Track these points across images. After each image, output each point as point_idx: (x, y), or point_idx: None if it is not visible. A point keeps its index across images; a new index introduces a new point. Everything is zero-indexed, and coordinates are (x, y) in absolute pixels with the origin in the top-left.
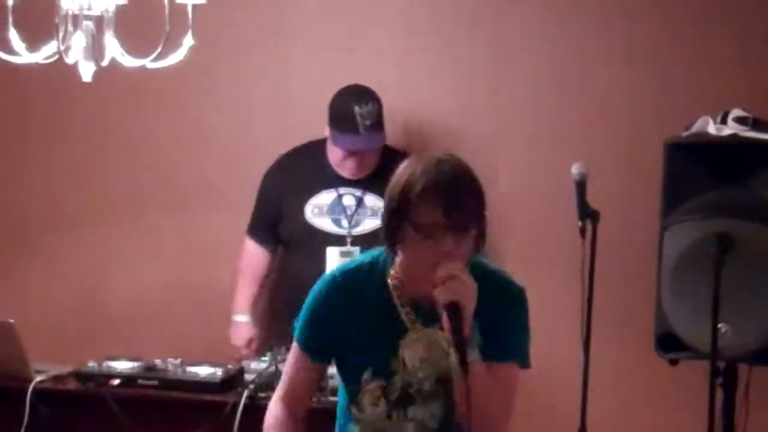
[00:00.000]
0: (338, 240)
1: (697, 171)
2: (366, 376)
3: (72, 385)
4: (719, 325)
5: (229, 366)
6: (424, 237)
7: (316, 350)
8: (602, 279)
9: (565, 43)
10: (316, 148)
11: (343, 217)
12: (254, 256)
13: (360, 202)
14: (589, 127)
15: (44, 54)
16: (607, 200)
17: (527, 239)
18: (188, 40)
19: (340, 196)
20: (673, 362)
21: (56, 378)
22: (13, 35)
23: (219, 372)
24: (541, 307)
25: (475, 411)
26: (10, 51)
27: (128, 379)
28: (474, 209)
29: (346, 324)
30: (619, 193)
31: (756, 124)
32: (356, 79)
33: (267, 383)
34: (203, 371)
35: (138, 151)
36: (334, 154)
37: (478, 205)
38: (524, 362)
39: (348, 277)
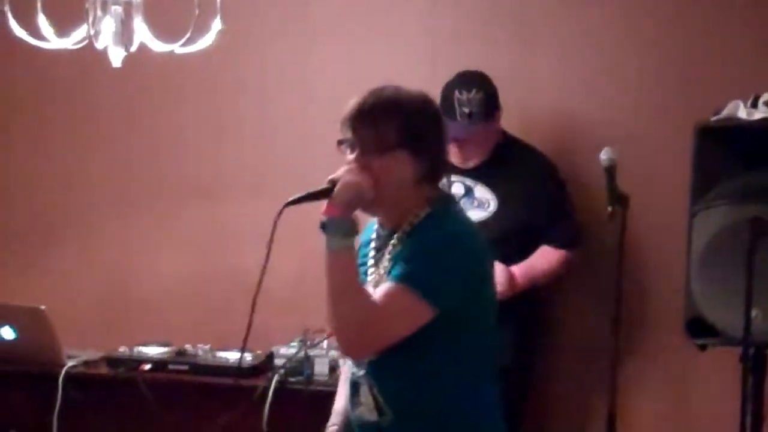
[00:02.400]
0: None
1: (727, 155)
2: None
3: (103, 370)
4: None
5: (259, 351)
6: (348, 152)
7: None
8: (631, 264)
9: (592, 28)
10: None
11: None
12: None
13: (469, 191)
14: (619, 111)
15: (73, 39)
16: (636, 185)
17: None
18: (217, 25)
19: (450, 184)
20: (702, 347)
21: (88, 363)
22: (42, 21)
23: (249, 357)
24: (571, 291)
25: (331, 306)
26: (39, 37)
27: (159, 364)
28: (387, 125)
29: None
30: (648, 178)
31: None
32: (379, 67)
33: (296, 368)
34: (233, 356)
35: (165, 139)
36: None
37: (399, 124)
38: (427, 294)
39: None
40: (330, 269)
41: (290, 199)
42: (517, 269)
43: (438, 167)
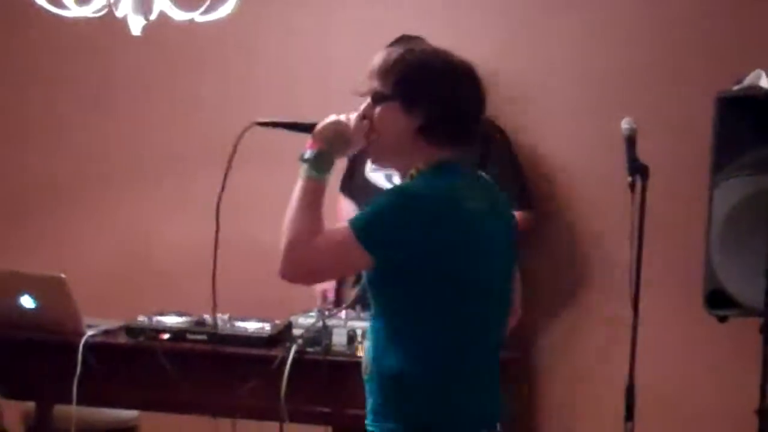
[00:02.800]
0: None
1: (748, 126)
2: None
3: (122, 339)
4: None
5: (277, 321)
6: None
7: None
8: (651, 235)
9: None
10: None
11: (394, 173)
12: (344, 209)
13: None
14: (639, 81)
15: (93, 8)
16: (656, 155)
17: (576, 195)
18: None
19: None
20: (722, 319)
21: (107, 332)
22: None
23: (267, 327)
24: (590, 262)
25: (284, 228)
26: (59, 4)
27: (178, 334)
28: (386, 78)
29: None
30: (668, 148)
31: None
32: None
33: (314, 338)
34: (252, 326)
35: (183, 108)
36: None
37: (396, 76)
38: (362, 237)
39: None
40: (297, 192)
41: (261, 120)
42: None
43: (437, 126)
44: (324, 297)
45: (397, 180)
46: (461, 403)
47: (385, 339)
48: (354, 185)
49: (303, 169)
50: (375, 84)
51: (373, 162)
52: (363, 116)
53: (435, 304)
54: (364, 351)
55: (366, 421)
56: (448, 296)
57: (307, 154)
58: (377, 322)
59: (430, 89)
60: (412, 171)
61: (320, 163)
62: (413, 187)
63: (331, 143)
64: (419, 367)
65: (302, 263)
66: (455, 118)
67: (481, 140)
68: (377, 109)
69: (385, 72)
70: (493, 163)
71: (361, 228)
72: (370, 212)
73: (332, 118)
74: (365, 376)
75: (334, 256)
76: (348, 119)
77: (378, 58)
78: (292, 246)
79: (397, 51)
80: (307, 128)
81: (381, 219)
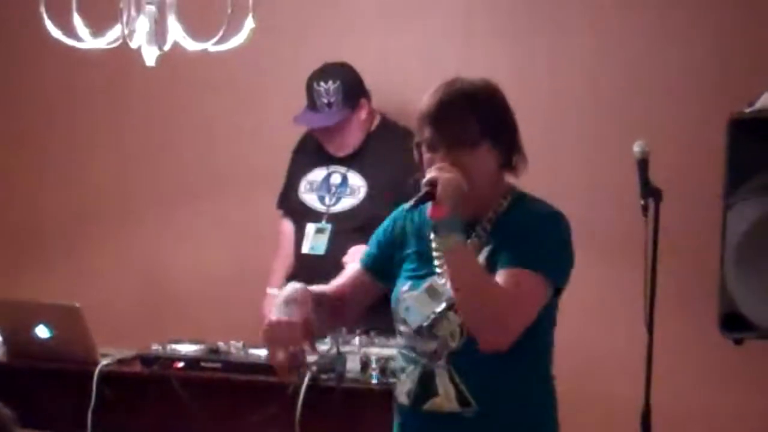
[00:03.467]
0: (318, 216)
1: (761, 148)
2: (404, 287)
3: (137, 367)
4: None
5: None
6: (427, 151)
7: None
8: (665, 258)
9: (625, 20)
10: None
11: (326, 194)
12: (286, 233)
13: (344, 180)
14: (651, 104)
15: (108, 39)
16: (669, 178)
17: (588, 218)
18: (249, 23)
19: (329, 174)
20: (738, 342)
21: (121, 361)
22: (77, 21)
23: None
24: (603, 286)
25: (464, 303)
26: (75, 36)
27: (192, 362)
28: (469, 121)
29: (401, 247)
30: (681, 170)
31: None
32: (412, 59)
33: (329, 365)
34: (266, 354)
35: (201, 136)
36: (316, 134)
37: (480, 117)
38: (549, 274)
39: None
40: (453, 268)
41: (408, 206)
42: None
43: (513, 153)
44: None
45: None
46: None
47: (514, 366)
48: (291, 205)
49: (449, 239)
50: (451, 128)
51: (458, 209)
52: (453, 165)
53: (552, 321)
54: (456, 384)
55: None
56: (556, 312)
57: (447, 221)
58: (493, 357)
59: (508, 120)
60: (503, 202)
61: (457, 227)
62: (551, 209)
63: (456, 203)
64: (542, 392)
65: (514, 331)
66: (520, 141)
67: None
68: (468, 154)
69: (463, 115)
70: None
71: (547, 268)
72: (543, 248)
73: (439, 176)
74: (465, 412)
75: (535, 306)
76: (443, 174)
77: (440, 103)
78: (500, 323)
79: (452, 91)
80: (429, 196)
81: (555, 251)
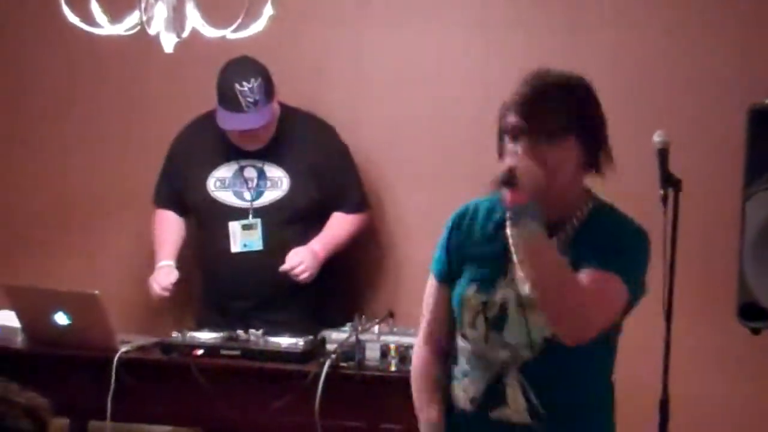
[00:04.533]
0: (241, 213)
1: None
2: (470, 289)
3: (157, 355)
4: None
5: (310, 336)
6: (511, 140)
7: (447, 274)
8: (683, 247)
9: (645, 11)
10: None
11: (244, 190)
12: (166, 218)
13: (261, 173)
14: (670, 95)
15: (126, 26)
16: (689, 168)
17: None
18: (268, 10)
19: (241, 168)
20: (756, 331)
21: (141, 348)
22: (95, 7)
23: (300, 342)
24: None
25: (543, 292)
26: (93, 23)
27: (211, 349)
28: (558, 113)
29: (465, 244)
30: (701, 161)
31: None
32: (430, 56)
33: (348, 353)
34: (285, 341)
35: None
36: (226, 131)
37: (569, 110)
38: (630, 286)
39: (475, 206)
40: (532, 258)
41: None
42: (318, 244)
43: (601, 154)
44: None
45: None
46: None
47: (586, 379)
48: (192, 202)
49: (528, 227)
50: (540, 118)
51: (544, 204)
52: (534, 157)
53: (620, 332)
54: (527, 397)
55: None
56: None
57: (520, 209)
58: (580, 366)
59: (599, 117)
60: (584, 207)
61: (537, 215)
62: (639, 226)
63: (535, 191)
64: (608, 405)
65: (591, 326)
66: (608, 140)
67: None
68: (552, 147)
69: (553, 105)
70: None
71: (629, 278)
72: (629, 259)
73: (521, 164)
74: (534, 425)
75: (612, 309)
76: (522, 162)
77: (532, 91)
78: (579, 316)
79: (545, 81)
80: (508, 181)
81: (638, 265)
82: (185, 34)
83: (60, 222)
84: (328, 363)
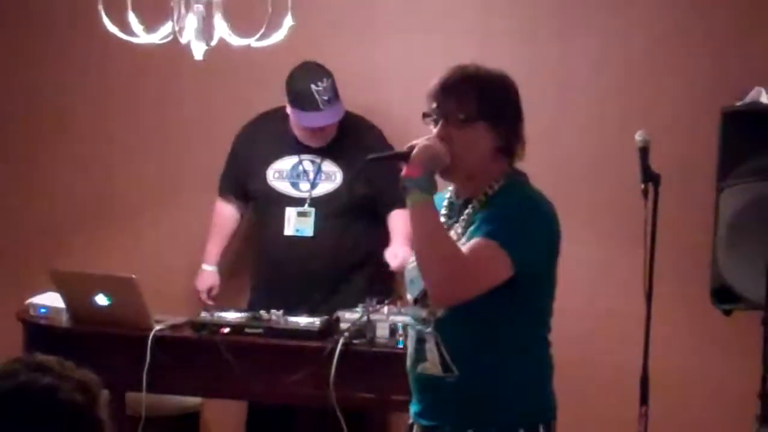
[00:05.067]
0: (297, 202)
1: (750, 137)
2: (411, 261)
3: (187, 333)
4: None
5: (326, 316)
6: (430, 124)
7: None
8: (662, 237)
9: (627, 22)
10: (281, 115)
11: (301, 181)
12: (222, 214)
13: (319, 168)
14: (652, 98)
15: (160, 35)
16: (667, 165)
17: (594, 201)
18: (288, 21)
19: (300, 161)
20: (727, 313)
21: (173, 327)
22: (132, 18)
23: (317, 322)
24: (607, 262)
25: (420, 256)
26: (129, 32)
27: (237, 328)
28: (467, 100)
29: None
30: (678, 158)
31: None
32: (436, 59)
33: (360, 331)
34: (303, 321)
35: (241, 124)
36: (298, 129)
37: (478, 98)
38: (511, 251)
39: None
40: (414, 224)
41: (371, 156)
42: (403, 240)
43: (513, 141)
44: (209, 293)
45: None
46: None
47: (491, 339)
48: (253, 190)
49: (414, 196)
50: (449, 105)
51: (446, 178)
52: (442, 138)
53: (538, 303)
54: (440, 351)
55: (449, 427)
56: (547, 293)
57: (414, 180)
58: (483, 325)
59: (510, 107)
60: (495, 185)
61: (424, 187)
62: (533, 196)
63: (428, 167)
64: (524, 361)
65: (461, 291)
66: (522, 130)
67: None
68: (460, 131)
69: (464, 93)
70: None
71: (510, 243)
72: (512, 227)
73: (420, 142)
74: (447, 377)
75: (487, 274)
76: (425, 141)
77: (446, 80)
78: (449, 279)
79: (459, 71)
80: (404, 156)
81: (524, 232)
82: (213, 43)
83: (101, 214)
84: (341, 340)
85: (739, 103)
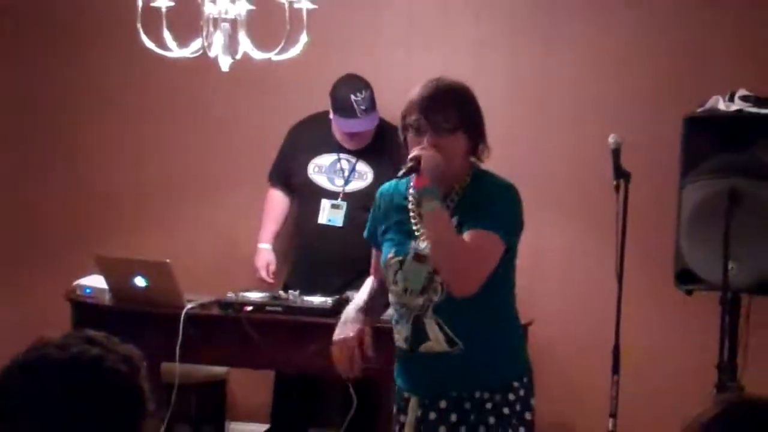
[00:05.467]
0: (332, 195)
1: (709, 140)
2: (390, 254)
3: (215, 311)
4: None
5: (337, 296)
6: (414, 134)
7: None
8: (632, 227)
9: (601, 40)
10: (326, 117)
11: (336, 177)
12: (273, 199)
13: (353, 167)
14: (623, 106)
15: (191, 49)
16: (636, 164)
17: (572, 196)
18: (304, 38)
19: (338, 159)
20: (689, 293)
21: (202, 306)
22: (167, 35)
23: (329, 301)
24: (583, 249)
25: (438, 256)
26: (164, 47)
27: (259, 306)
28: (450, 113)
29: (384, 220)
30: (646, 158)
31: (758, 102)
32: (433, 72)
33: None
34: (317, 300)
35: (268, 129)
36: (338, 132)
37: (459, 111)
38: (503, 235)
39: (388, 186)
40: (432, 227)
41: (400, 173)
42: None
43: (481, 143)
44: (267, 268)
45: (338, 182)
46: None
47: (488, 310)
48: (295, 181)
49: (429, 203)
50: (435, 117)
51: (437, 181)
52: (433, 146)
53: (513, 274)
54: (434, 334)
55: (455, 392)
56: (514, 266)
57: (428, 188)
58: (482, 299)
59: (479, 116)
60: (467, 178)
61: (437, 194)
62: (505, 182)
63: (434, 175)
64: (512, 326)
65: (478, 279)
66: (485, 133)
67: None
68: (445, 139)
69: (447, 106)
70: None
71: (500, 228)
72: (497, 212)
73: (422, 153)
74: (453, 351)
75: (492, 259)
76: (426, 152)
77: (430, 95)
78: (465, 272)
79: (444, 86)
80: (414, 169)
81: (507, 213)
82: (238, 56)
83: (140, 206)
84: None
85: (699, 110)
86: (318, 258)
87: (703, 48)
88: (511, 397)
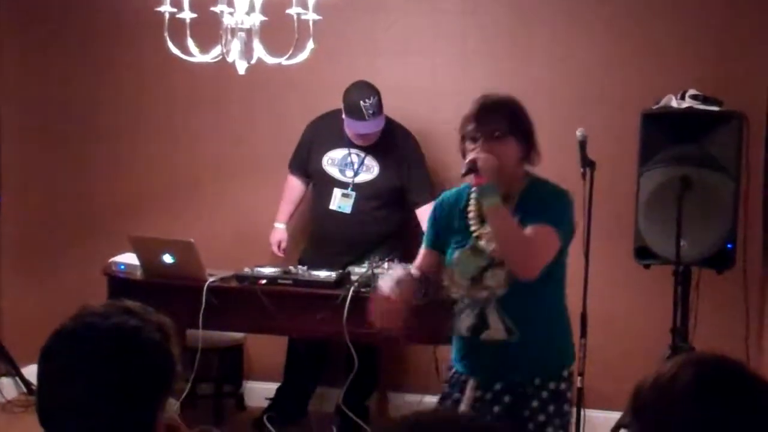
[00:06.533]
0: (342, 185)
1: (663, 133)
2: (456, 255)
3: (233, 283)
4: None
5: (340, 270)
6: (470, 143)
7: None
8: (597, 209)
9: (570, 51)
10: (340, 116)
11: (347, 169)
12: (291, 184)
13: (362, 161)
14: (589, 103)
15: (212, 55)
16: (600, 154)
17: None
18: (310, 45)
19: (349, 153)
20: (647, 267)
21: (222, 279)
22: (190, 43)
23: (333, 275)
24: None
25: (503, 243)
26: (188, 53)
27: (272, 280)
28: (501, 121)
29: (447, 225)
30: (609, 149)
31: (706, 100)
32: (421, 79)
33: (366, 282)
34: (323, 274)
35: (282, 127)
36: (349, 131)
37: (508, 119)
38: (560, 231)
39: (449, 194)
40: (494, 221)
41: (462, 174)
42: None
43: (532, 149)
44: (279, 245)
45: (348, 173)
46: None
47: (544, 300)
48: (311, 170)
49: (490, 198)
50: (488, 126)
51: (499, 183)
52: (487, 152)
53: (564, 269)
54: (503, 319)
55: (511, 377)
56: (566, 266)
57: (488, 186)
58: (538, 291)
59: (529, 124)
60: (523, 183)
61: (497, 190)
62: (560, 188)
63: (491, 175)
64: (564, 317)
65: (537, 267)
66: (536, 140)
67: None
68: (498, 145)
69: (498, 116)
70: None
71: (558, 225)
72: (555, 211)
73: (478, 156)
74: (511, 339)
75: (550, 252)
76: (481, 154)
77: (483, 106)
78: (527, 260)
79: (491, 99)
80: (472, 170)
81: (563, 214)
82: (253, 61)
83: (167, 191)
84: (352, 289)
85: (654, 107)
86: (328, 238)
87: (658, 53)
88: (562, 385)
